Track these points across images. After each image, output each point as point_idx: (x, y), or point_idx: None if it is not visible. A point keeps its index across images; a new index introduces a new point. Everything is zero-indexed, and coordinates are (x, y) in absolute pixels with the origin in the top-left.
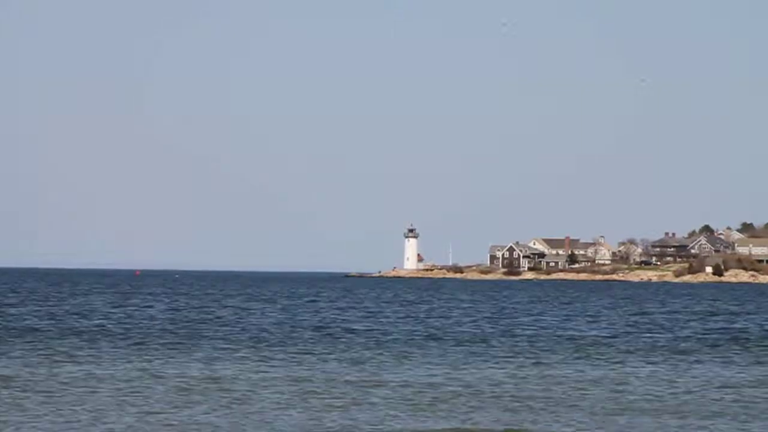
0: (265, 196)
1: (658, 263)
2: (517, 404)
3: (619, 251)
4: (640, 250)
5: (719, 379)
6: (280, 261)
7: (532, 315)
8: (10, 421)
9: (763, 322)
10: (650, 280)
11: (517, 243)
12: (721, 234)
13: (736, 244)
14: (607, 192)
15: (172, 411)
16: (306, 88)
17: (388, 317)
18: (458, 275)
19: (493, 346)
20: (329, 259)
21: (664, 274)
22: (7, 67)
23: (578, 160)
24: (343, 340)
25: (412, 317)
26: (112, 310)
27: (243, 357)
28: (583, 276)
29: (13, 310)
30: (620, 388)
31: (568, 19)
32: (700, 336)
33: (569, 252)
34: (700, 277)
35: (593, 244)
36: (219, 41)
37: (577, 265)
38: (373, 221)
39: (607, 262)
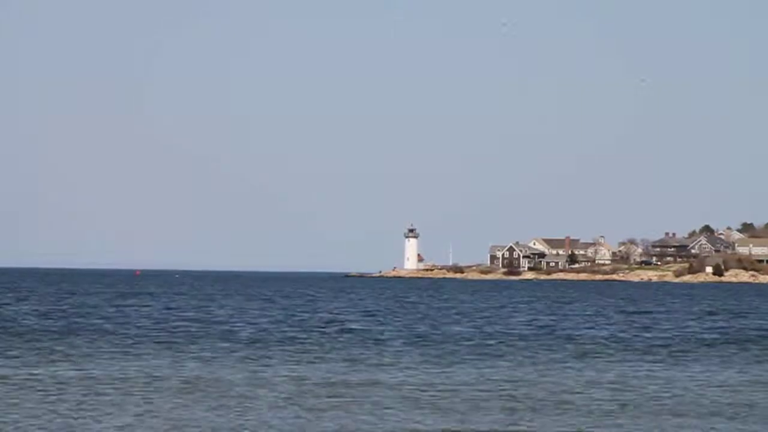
0: (265, 196)
1: (659, 263)
2: (517, 404)
3: (620, 251)
4: (640, 250)
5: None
6: (280, 261)
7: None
8: (8, 420)
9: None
10: (650, 280)
11: (517, 243)
12: (721, 234)
13: (736, 244)
14: (607, 192)
15: (171, 411)
16: (306, 88)
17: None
18: (458, 275)
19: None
20: (329, 259)
21: (665, 274)
22: (7, 67)
23: (578, 160)
24: (342, 339)
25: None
26: (110, 309)
27: (241, 357)
28: (583, 276)
29: (9, 310)
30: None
31: (568, 19)
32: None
33: (569, 252)
34: (700, 277)
35: (593, 244)
36: (219, 41)
37: (577, 265)
38: (373, 221)
39: (607, 262)
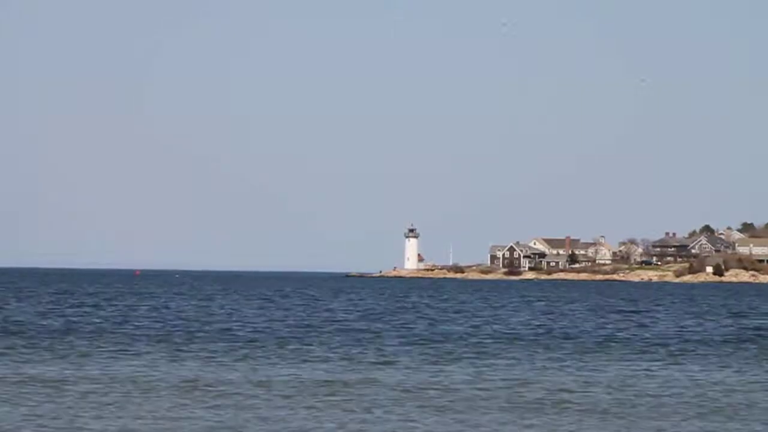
0: (265, 196)
1: (659, 263)
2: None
3: (620, 251)
4: (640, 250)
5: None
6: (280, 261)
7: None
8: (7, 421)
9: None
10: (651, 280)
11: (518, 243)
12: (721, 234)
13: (736, 244)
14: (607, 192)
15: (169, 411)
16: (306, 88)
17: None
18: (459, 275)
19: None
20: (329, 259)
21: (665, 274)
22: (7, 67)
23: (578, 160)
24: (341, 339)
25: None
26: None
27: (240, 356)
28: (583, 276)
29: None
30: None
31: (568, 19)
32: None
33: (570, 252)
34: (700, 277)
35: (594, 244)
36: (219, 41)
37: (577, 265)
38: (373, 221)
39: (607, 262)
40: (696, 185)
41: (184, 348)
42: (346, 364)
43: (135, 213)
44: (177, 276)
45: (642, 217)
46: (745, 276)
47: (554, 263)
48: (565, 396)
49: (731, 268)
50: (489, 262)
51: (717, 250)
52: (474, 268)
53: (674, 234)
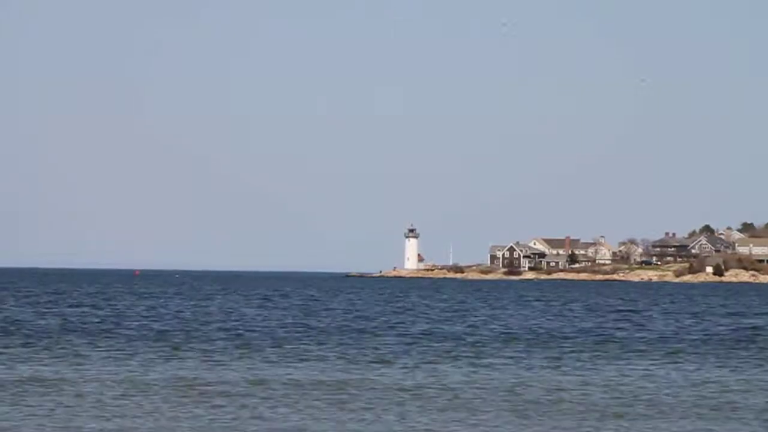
0: (265, 196)
1: (659, 263)
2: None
3: (620, 251)
4: (640, 250)
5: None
6: (280, 261)
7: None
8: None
9: None
10: (651, 280)
11: (518, 243)
12: (721, 234)
13: (736, 244)
14: (607, 192)
15: (167, 411)
16: (306, 88)
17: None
18: (459, 275)
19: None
20: (329, 259)
21: (665, 274)
22: (7, 67)
23: (578, 160)
24: (339, 339)
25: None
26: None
27: (238, 356)
28: (583, 276)
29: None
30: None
31: (568, 19)
32: None
33: (570, 252)
34: (700, 277)
35: (593, 244)
36: (219, 41)
37: (577, 265)
38: (373, 221)
39: (607, 262)
40: (696, 185)
41: (183, 347)
42: (343, 363)
43: (135, 213)
44: (177, 276)
45: (642, 217)
46: (745, 276)
47: (554, 263)
48: (564, 396)
49: (731, 268)
50: (489, 262)
51: (717, 250)
52: (474, 268)
53: (674, 234)
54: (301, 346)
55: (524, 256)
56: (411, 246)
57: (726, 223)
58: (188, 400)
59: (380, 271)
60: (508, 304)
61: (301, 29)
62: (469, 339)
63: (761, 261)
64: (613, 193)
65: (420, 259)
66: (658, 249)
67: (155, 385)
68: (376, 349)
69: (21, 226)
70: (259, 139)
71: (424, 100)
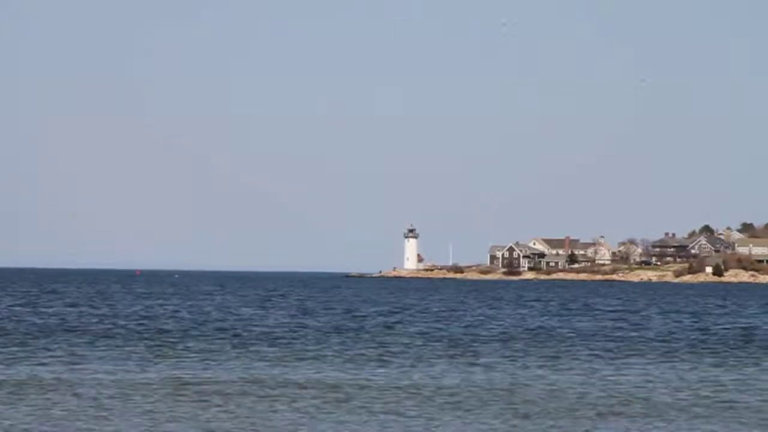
0: (264, 196)
1: (658, 263)
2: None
3: (619, 251)
4: (640, 250)
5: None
6: (280, 261)
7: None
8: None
9: None
10: (650, 280)
11: (517, 243)
12: (721, 234)
13: (736, 244)
14: (607, 192)
15: (165, 412)
16: (306, 88)
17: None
18: (458, 275)
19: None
20: (329, 259)
21: (664, 274)
22: (7, 67)
23: (578, 160)
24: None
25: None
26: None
27: (234, 356)
28: (583, 276)
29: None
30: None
31: (568, 19)
32: None
33: (569, 252)
34: (700, 278)
35: (593, 244)
36: (219, 41)
37: (577, 265)
38: (373, 221)
39: (607, 262)
40: (696, 185)
41: (179, 347)
42: (340, 363)
43: (135, 213)
44: (176, 276)
45: (641, 217)
46: (744, 276)
47: (554, 263)
48: (560, 395)
49: (731, 268)
50: (488, 262)
51: (716, 251)
52: (473, 268)
53: (674, 234)
54: (298, 345)
55: (524, 256)
56: (411, 246)
57: (726, 224)
58: (183, 400)
59: (380, 272)
60: (506, 304)
61: (301, 29)
62: (466, 339)
63: (761, 261)
64: (613, 193)
65: (420, 259)
66: (657, 249)
67: (152, 384)
68: (374, 349)
69: (21, 226)
70: (259, 139)
71: (424, 100)
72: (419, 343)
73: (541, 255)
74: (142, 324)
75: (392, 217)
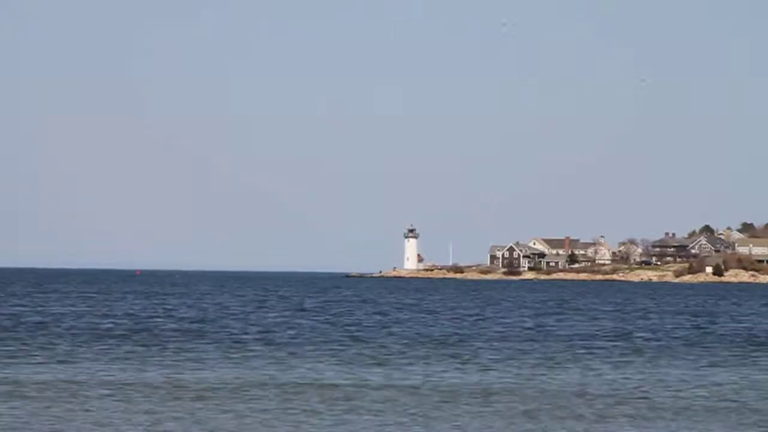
0: (264, 196)
1: (659, 263)
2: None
3: (620, 251)
4: (640, 250)
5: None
6: (280, 261)
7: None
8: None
9: None
10: (650, 280)
11: (517, 243)
12: (721, 234)
13: (736, 244)
14: (607, 192)
15: (163, 413)
16: (306, 88)
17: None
18: (458, 275)
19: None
20: (329, 259)
21: (664, 274)
22: (7, 67)
23: (578, 160)
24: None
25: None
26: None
27: (230, 357)
28: (583, 276)
29: None
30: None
31: (568, 19)
32: None
33: (569, 252)
34: (700, 277)
35: (593, 244)
36: (219, 41)
37: (577, 265)
38: (373, 221)
39: (607, 262)
40: (696, 185)
41: (176, 347)
42: (335, 364)
43: (135, 213)
44: (177, 276)
45: (642, 217)
46: (744, 276)
47: (554, 263)
48: (555, 397)
49: (731, 268)
50: (489, 262)
51: (717, 251)
52: (473, 268)
53: (674, 234)
54: (296, 346)
55: (524, 256)
56: (411, 246)
57: (726, 223)
58: (175, 402)
59: (380, 271)
60: (503, 305)
61: (301, 29)
62: (459, 339)
63: (761, 261)
64: (613, 193)
65: (420, 259)
66: (657, 249)
67: (146, 386)
68: (371, 349)
69: (21, 226)
70: (259, 139)
71: (424, 100)
72: (416, 343)
73: (542, 255)
74: (140, 324)
75: (392, 217)
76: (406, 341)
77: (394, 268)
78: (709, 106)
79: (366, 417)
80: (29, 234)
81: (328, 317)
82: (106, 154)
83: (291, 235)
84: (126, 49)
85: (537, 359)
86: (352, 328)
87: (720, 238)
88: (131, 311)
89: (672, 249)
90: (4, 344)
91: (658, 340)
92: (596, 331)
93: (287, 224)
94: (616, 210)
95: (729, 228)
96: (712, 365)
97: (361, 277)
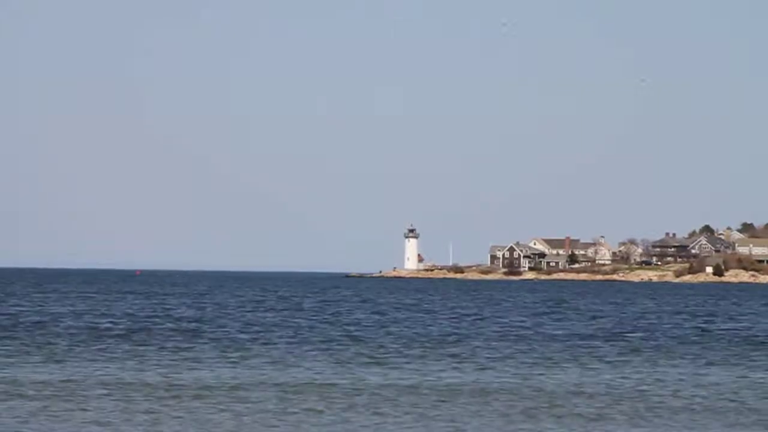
0: (264, 196)
1: (659, 263)
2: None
3: (620, 251)
4: (640, 250)
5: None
6: (280, 261)
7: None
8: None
9: None
10: (650, 280)
11: (518, 243)
12: (721, 234)
13: (736, 244)
14: (607, 192)
15: (162, 413)
16: (306, 88)
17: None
18: (458, 275)
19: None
20: (329, 259)
21: (665, 274)
22: (7, 67)
23: (578, 160)
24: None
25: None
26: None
27: (227, 357)
28: (583, 276)
29: None
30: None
31: (568, 19)
32: None
33: (569, 252)
34: (700, 278)
35: (593, 244)
36: (219, 41)
37: (577, 265)
38: (373, 221)
39: (607, 262)
40: (696, 185)
41: (174, 347)
42: (333, 364)
43: (135, 213)
44: (177, 276)
45: (642, 217)
46: (744, 276)
47: (554, 263)
48: (552, 397)
49: (731, 268)
50: (489, 262)
51: (717, 251)
52: (474, 268)
53: (674, 234)
54: (292, 346)
55: (524, 256)
56: (411, 246)
57: (726, 224)
58: (172, 403)
59: (380, 271)
60: (502, 305)
61: (301, 29)
62: (458, 339)
63: (761, 261)
64: (613, 193)
65: (420, 259)
66: (658, 249)
67: (145, 386)
68: (370, 349)
69: (21, 226)
70: (259, 139)
71: (424, 100)
72: (413, 343)
73: (542, 255)
74: (139, 323)
75: (392, 217)
76: (404, 341)
77: (394, 268)
78: (709, 106)
79: (364, 416)
80: (29, 234)
81: (326, 317)
82: (106, 154)
83: (291, 235)
84: (126, 49)
85: (535, 359)
86: (351, 327)
87: (720, 238)
88: (130, 311)
89: (672, 249)
90: (2, 344)
91: (656, 340)
92: (595, 330)
93: (287, 224)
94: (617, 210)
95: (729, 228)
96: (710, 365)
97: (361, 277)
